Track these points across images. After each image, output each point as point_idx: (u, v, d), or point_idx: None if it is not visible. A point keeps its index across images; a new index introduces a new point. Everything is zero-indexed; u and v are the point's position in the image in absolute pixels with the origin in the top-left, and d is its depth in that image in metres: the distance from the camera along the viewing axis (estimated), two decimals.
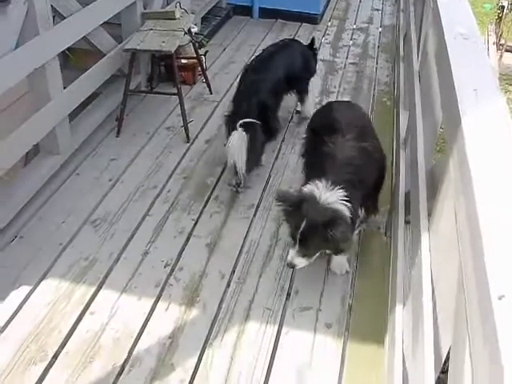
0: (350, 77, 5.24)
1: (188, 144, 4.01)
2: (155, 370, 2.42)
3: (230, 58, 5.48)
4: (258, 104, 3.45)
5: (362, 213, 2.78)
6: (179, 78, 4.13)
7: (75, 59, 4.28)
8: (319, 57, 5.30)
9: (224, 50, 5.70)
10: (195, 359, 2.47)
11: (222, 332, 2.60)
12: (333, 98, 4.71)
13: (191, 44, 4.57)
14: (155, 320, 2.65)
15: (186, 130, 4.01)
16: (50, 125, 3.37)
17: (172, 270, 2.92)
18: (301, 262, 2.60)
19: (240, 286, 2.84)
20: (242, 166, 3.35)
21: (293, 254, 2.58)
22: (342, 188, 2.54)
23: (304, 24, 6.50)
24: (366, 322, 2.67)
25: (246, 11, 6.65)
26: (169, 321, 2.64)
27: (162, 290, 2.81)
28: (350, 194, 2.56)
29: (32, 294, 2.78)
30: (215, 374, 2.42)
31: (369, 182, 2.79)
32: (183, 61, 4.70)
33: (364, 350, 2.54)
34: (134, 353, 2.50)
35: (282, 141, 4.09)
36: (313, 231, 2.48)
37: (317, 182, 2.57)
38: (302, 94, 4.17)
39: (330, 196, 2.52)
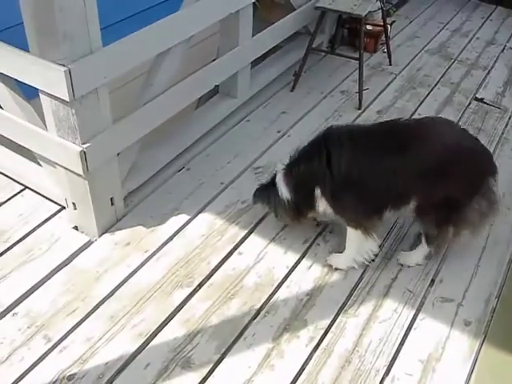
0: None
1: (359, 111, 3.97)
2: (289, 321, 2.50)
3: (415, 32, 5.29)
4: None
5: None
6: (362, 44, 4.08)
7: (262, 10, 4.36)
8: None
9: (410, 22, 5.51)
10: (328, 321, 2.52)
11: (358, 302, 2.61)
12: None
13: (380, 11, 4.47)
14: (297, 275, 2.72)
15: (360, 96, 3.97)
16: (234, 69, 3.51)
17: (322, 231, 2.96)
18: None
19: (386, 261, 2.82)
20: None
21: None
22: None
23: (499, 7, 6.05)
24: (508, 328, 2.55)
25: None
26: (309, 279, 2.70)
27: (309, 247, 2.87)
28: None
29: (189, 223, 2.97)
30: (345, 339, 2.45)
31: None
32: (368, 27, 4.62)
33: (500, 357, 2.43)
34: (272, 300, 2.59)
35: None
36: None
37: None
38: None
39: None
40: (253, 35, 3.60)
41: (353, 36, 4.67)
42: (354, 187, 2.54)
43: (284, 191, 2.69)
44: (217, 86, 3.52)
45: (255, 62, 3.85)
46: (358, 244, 2.70)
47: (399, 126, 2.68)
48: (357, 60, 4.01)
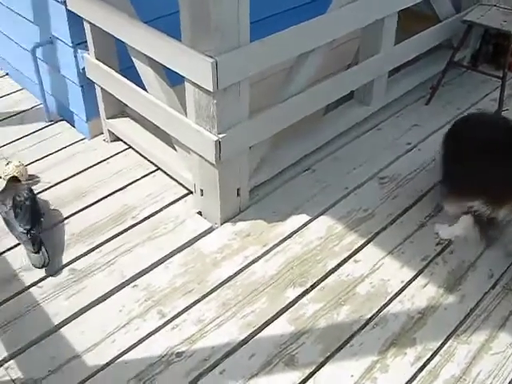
0: None
1: None
2: (397, 336, 2.46)
3: None
4: None
5: None
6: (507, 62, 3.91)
7: (405, 20, 4.28)
8: None
9: None
10: (438, 343, 2.44)
11: (472, 329, 2.51)
12: None
13: None
14: (411, 291, 2.66)
15: None
16: (372, 76, 3.48)
17: (442, 250, 2.87)
18: None
19: (506, 291, 2.68)
20: None
21: None
22: None
23: None
24: None
25: None
26: (423, 297, 2.63)
27: (427, 265, 2.79)
28: None
29: (309, 224, 2.99)
30: (453, 364, 2.36)
31: None
32: None
33: None
34: (383, 313, 2.56)
35: None
36: None
37: None
38: None
39: None
40: (394, 44, 3.56)
41: (498, 53, 4.46)
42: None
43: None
44: (351, 92, 3.51)
45: (392, 71, 3.80)
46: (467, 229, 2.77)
47: None
48: (499, 78, 3.84)
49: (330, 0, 3.01)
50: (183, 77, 2.60)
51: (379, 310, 2.57)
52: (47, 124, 3.76)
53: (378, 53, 3.41)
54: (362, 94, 3.60)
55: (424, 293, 2.66)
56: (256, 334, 2.45)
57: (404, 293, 2.66)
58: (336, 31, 2.99)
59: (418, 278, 2.73)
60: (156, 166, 3.31)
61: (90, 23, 3.07)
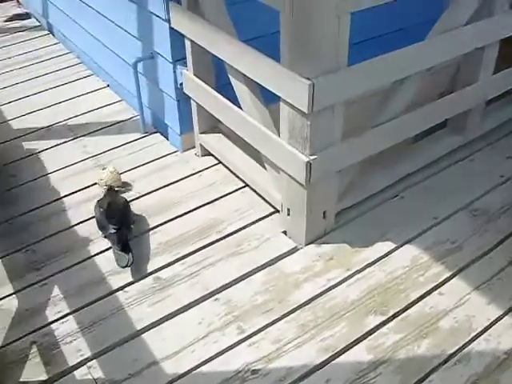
0: None
1: None
2: (480, 376, 2.36)
3: None
4: None
5: None
6: None
7: (506, 48, 4.14)
8: None
9: None
10: None
11: None
12: None
13: None
14: (498, 330, 2.56)
15: None
16: (468, 105, 3.40)
17: None
18: None
19: None
20: None
21: None
22: None
23: None
24: None
25: None
26: (509, 337, 2.53)
27: None
28: None
29: (394, 252, 2.94)
30: None
31: None
32: None
33: None
34: (466, 350, 2.47)
35: None
36: None
37: None
38: None
39: None
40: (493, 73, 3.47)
41: None
42: None
43: None
44: (445, 120, 3.45)
45: (489, 100, 3.69)
46: None
47: None
48: None
49: (425, 27, 2.99)
50: (277, 96, 2.64)
51: (462, 347, 2.48)
52: (142, 135, 3.92)
53: (475, 82, 3.33)
54: (456, 123, 3.52)
55: (510, 333, 2.55)
56: (333, 359, 2.43)
57: (490, 331, 2.56)
58: (434, 58, 2.94)
59: (506, 317, 2.62)
60: (245, 182, 3.37)
61: (190, 41, 3.17)
